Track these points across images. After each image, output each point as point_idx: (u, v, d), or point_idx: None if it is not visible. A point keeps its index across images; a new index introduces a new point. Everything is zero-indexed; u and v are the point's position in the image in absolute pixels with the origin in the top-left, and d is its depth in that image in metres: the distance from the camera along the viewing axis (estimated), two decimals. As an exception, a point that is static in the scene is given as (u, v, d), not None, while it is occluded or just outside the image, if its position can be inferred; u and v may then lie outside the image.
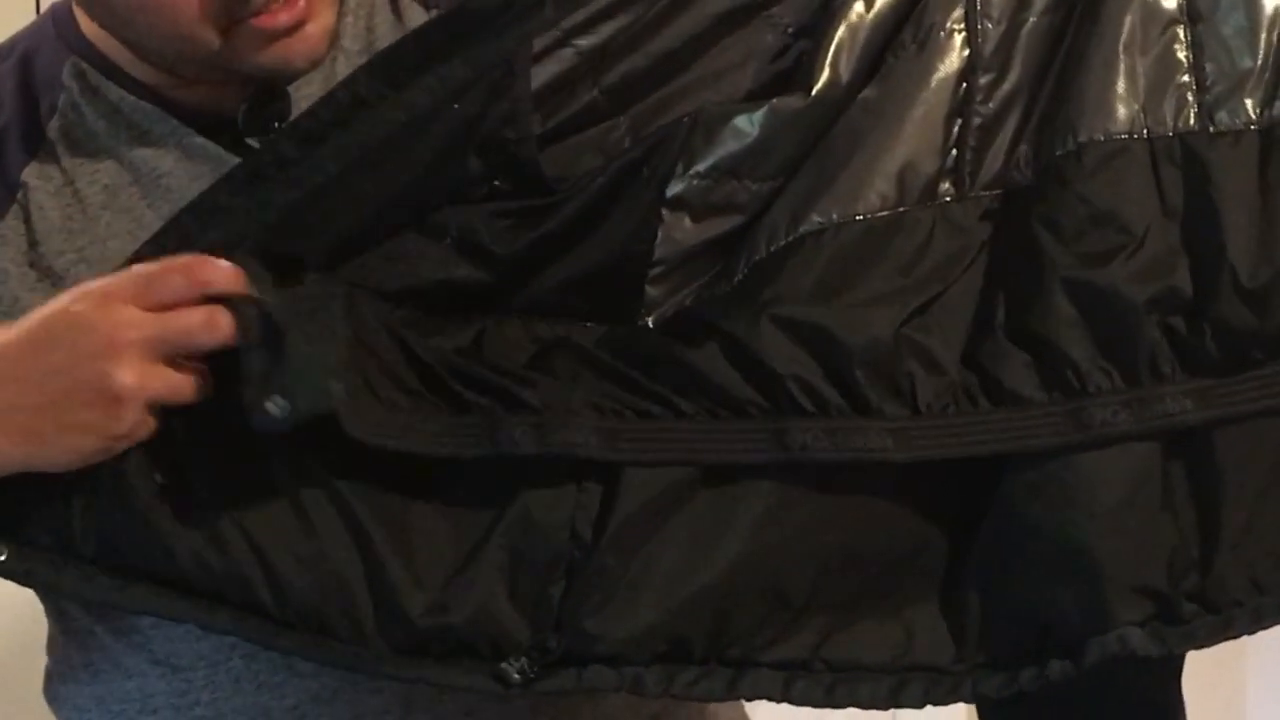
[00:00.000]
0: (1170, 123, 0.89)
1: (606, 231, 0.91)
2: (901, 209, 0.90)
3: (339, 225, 0.90)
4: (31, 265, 0.98)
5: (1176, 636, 0.88)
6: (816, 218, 0.90)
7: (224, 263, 0.85)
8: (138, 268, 0.85)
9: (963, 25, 0.91)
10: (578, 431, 0.88)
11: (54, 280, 0.97)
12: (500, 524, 0.89)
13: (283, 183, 0.88)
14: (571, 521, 0.89)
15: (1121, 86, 0.89)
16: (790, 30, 0.93)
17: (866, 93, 0.91)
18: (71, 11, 1.02)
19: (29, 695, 1.10)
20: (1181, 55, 0.90)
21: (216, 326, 0.83)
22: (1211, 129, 0.89)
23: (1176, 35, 0.90)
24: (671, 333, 0.90)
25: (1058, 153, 0.89)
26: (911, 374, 0.88)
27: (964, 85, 0.91)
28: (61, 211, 0.99)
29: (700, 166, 0.90)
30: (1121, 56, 0.90)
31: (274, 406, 0.83)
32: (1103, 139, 0.89)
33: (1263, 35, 0.89)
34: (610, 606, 0.88)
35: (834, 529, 0.90)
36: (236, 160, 0.96)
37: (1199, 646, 0.88)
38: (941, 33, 0.91)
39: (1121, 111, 0.89)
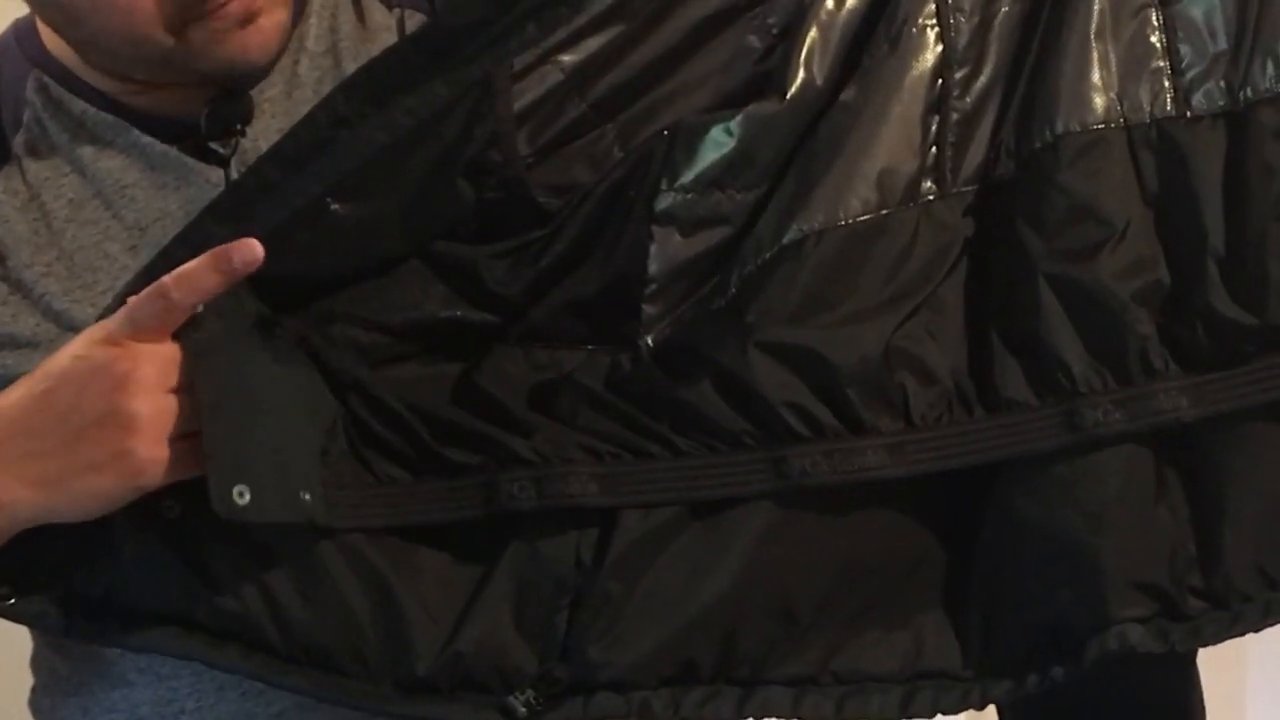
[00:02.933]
0: (1147, 109, 0.89)
1: (599, 256, 0.92)
2: (884, 211, 0.90)
3: (331, 250, 0.91)
4: (2, 279, 0.98)
5: (1181, 633, 0.88)
6: (799, 226, 0.89)
7: (191, 265, 0.84)
8: (131, 301, 0.86)
9: (935, 20, 0.91)
10: (576, 482, 0.89)
11: (24, 293, 0.98)
12: (505, 555, 0.89)
13: (267, 207, 0.88)
14: (576, 549, 0.89)
15: (1096, 75, 0.89)
16: (775, 31, 0.93)
17: (845, 94, 0.91)
18: (35, 25, 1.02)
19: (13, 707, 1.10)
20: (1154, 39, 0.90)
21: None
22: (1189, 113, 0.88)
23: (1149, 18, 0.90)
24: (667, 364, 0.90)
25: (1036, 145, 0.89)
26: (904, 385, 0.88)
27: (939, 81, 0.91)
28: (28, 225, 0.99)
29: (684, 180, 0.91)
30: (1094, 43, 0.89)
31: (239, 498, 0.83)
32: (1079, 129, 0.89)
33: (1233, 15, 0.89)
34: (615, 632, 0.89)
35: (836, 542, 0.90)
36: (199, 165, 0.98)
37: (1206, 643, 0.89)
38: (914, 29, 0.91)
39: (1097, 101, 0.89)
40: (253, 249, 0.84)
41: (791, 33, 0.91)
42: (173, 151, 0.99)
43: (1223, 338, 0.87)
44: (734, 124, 0.90)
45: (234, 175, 0.99)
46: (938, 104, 0.91)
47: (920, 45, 0.91)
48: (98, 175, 0.99)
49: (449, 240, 0.93)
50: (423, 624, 0.88)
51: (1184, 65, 0.89)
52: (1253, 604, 0.87)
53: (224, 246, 0.84)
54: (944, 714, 0.91)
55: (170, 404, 0.85)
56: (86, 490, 0.85)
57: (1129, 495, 0.87)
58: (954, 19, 0.91)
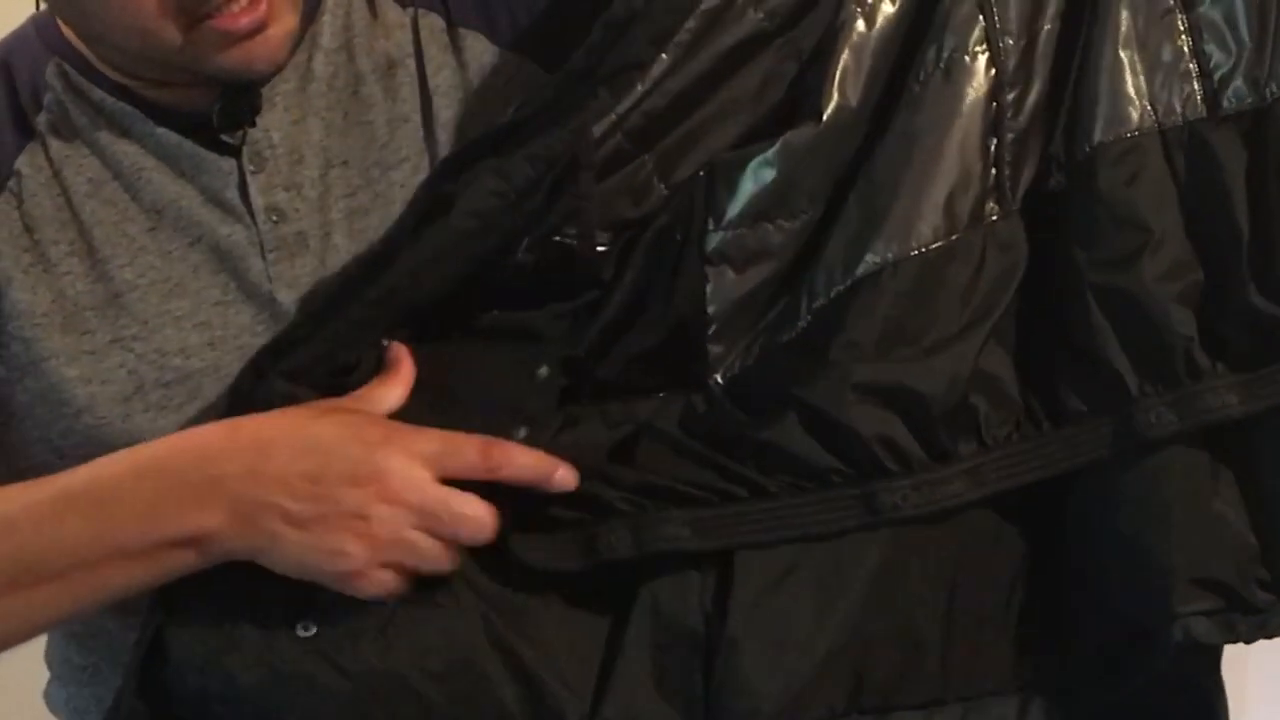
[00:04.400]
0: (1179, 112, 0.91)
1: (657, 305, 0.93)
2: (954, 236, 0.91)
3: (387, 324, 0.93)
4: (25, 250, 1.00)
5: (1249, 625, 0.89)
6: (872, 258, 0.90)
7: (528, 460, 0.89)
8: (437, 436, 0.88)
9: (984, 45, 0.92)
10: (669, 527, 0.89)
11: (46, 267, 1.00)
12: (633, 619, 0.90)
13: (359, 305, 0.91)
14: (701, 604, 0.90)
15: (1129, 83, 0.91)
16: (806, 55, 0.93)
17: (900, 122, 0.91)
18: (53, 18, 1.04)
19: (28, 696, 1.11)
20: (1181, 43, 0.91)
21: (485, 527, 0.88)
22: (1220, 113, 0.90)
23: (1174, 23, 0.91)
24: (742, 401, 0.90)
25: (1079, 157, 0.90)
26: (977, 408, 0.89)
27: (994, 104, 0.92)
28: (52, 201, 1.01)
29: (730, 216, 0.91)
30: (1123, 52, 0.91)
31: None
32: (1114, 138, 0.90)
33: (1255, 12, 0.90)
34: (751, 682, 0.89)
35: (946, 564, 0.92)
36: (212, 156, 1.00)
37: (1273, 635, 0.90)
38: (966, 56, 0.91)
39: (1131, 109, 0.90)
40: (569, 477, 0.89)
41: (823, 56, 0.91)
42: (187, 143, 1.01)
43: (1262, 333, 0.88)
44: (771, 154, 0.90)
45: (246, 165, 1.01)
46: (994, 126, 0.92)
47: (973, 71, 0.92)
48: (116, 157, 1.01)
49: (500, 307, 0.93)
50: (564, 697, 0.89)
51: (1211, 66, 0.90)
52: None
53: (555, 466, 0.89)
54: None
55: (417, 541, 0.88)
56: (299, 561, 0.88)
57: (1186, 494, 0.89)
58: (1003, 42, 0.91)
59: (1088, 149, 0.90)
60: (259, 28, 0.96)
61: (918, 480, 0.89)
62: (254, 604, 0.89)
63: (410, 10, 1.06)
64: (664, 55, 0.90)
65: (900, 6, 0.92)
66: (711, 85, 0.92)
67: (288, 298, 1.00)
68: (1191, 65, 0.90)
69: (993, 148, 0.92)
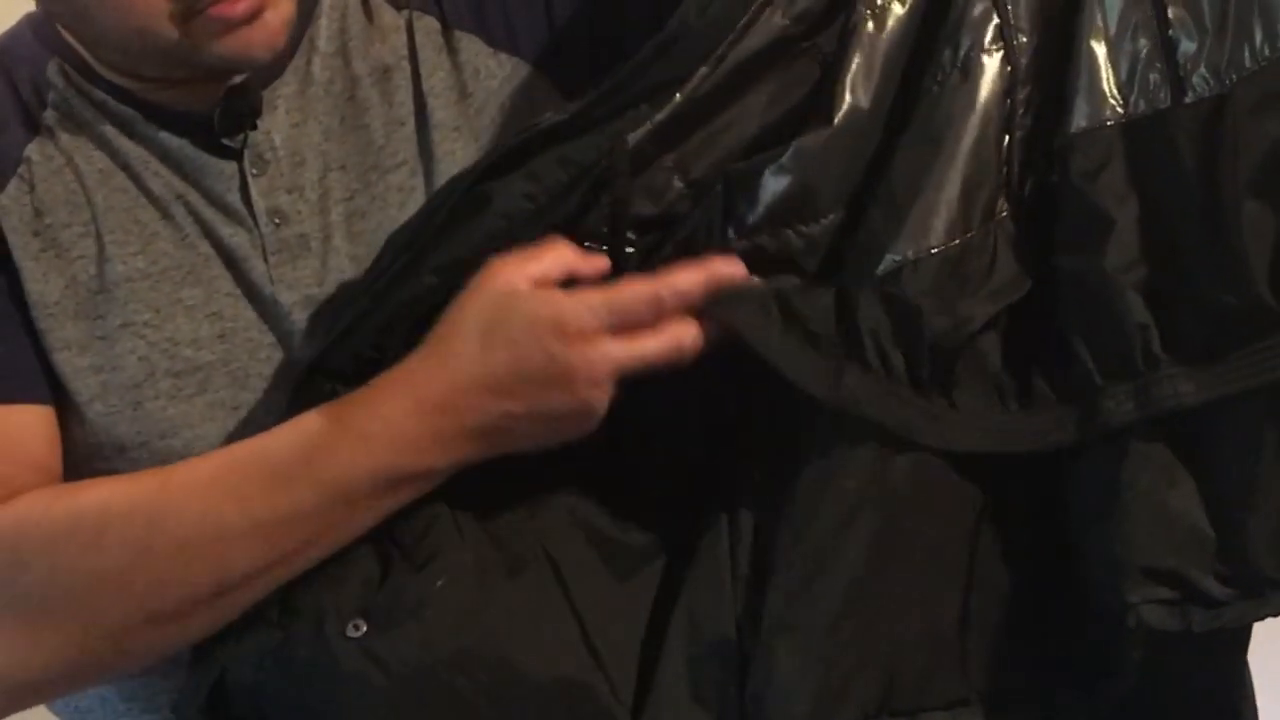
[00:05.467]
0: (1146, 102, 0.91)
1: None
2: (969, 234, 0.92)
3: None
4: (36, 234, 1.00)
5: (1204, 616, 0.90)
6: (892, 257, 0.91)
7: (690, 279, 0.90)
8: (600, 296, 0.90)
9: (1000, 43, 0.92)
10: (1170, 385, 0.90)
11: (58, 251, 1.00)
12: (670, 633, 0.92)
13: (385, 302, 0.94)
14: (733, 613, 0.91)
15: (1101, 74, 0.91)
16: (828, 59, 0.93)
17: (918, 122, 0.92)
18: (49, 18, 1.04)
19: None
20: (1149, 33, 0.91)
21: (681, 347, 0.90)
22: (1184, 100, 0.90)
23: (1145, 12, 0.91)
24: None
25: (1057, 148, 0.91)
26: (958, 372, 0.91)
27: (1009, 101, 0.93)
28: (64, 187, 1.01)
29: (750, 223, 0.92)
30: (1093, 44, 0.91)
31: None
32: (1085, 127, 0.90)
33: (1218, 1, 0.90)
34: (785, 687, 0.90)
35: (962, 561, 0.93)
36: (213, 159, 1.01)
37: (1229, 625, 0.90)
38: (983, 55, 0.92)
39: (1103, 100, 0.91)
40: (735, 264, 0.90)
41: (834, 59, 0.93)
42: (188, 147, 1.02)
43: (1215, 324, 0.88)
44: (786, 160, 0.91)
45: (248, 169, 1.02)
46: (1007, 123, 0.93)
47: (989, 70, 0.92)
48: (122, 151, 1.02)
49: None
50: (616, 709, 0.91)
51: (1178, 55, 0.90)
52: (1277, 591, 0.89)
53: (715, 262, 0.90)
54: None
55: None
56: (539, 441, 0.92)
57: (1144, 486, 0.89)
58: (1016, 40, 0.92)
59: (1065, 138, 0.91)
60: (255, 13, 0.96)
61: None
62: (305, 604, 0.91)
63: (405, 13, 1.07)
64: (704, 68, 0.91)
65: (910, 6, 0.92)
66: (736, 89, 0.93)
67: (289, 299, 1.01)
68: (1159, 55, 0.91)
69: (1005, 144, 0.93)
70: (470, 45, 1.06)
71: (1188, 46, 0.90)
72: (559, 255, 0.91)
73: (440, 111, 1.05)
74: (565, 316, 0.89)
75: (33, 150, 1.02)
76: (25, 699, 0.96)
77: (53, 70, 1.03)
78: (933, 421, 0.90)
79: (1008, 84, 0.92)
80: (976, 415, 0.91)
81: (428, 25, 1.07)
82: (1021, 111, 0.93)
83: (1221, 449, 0.89)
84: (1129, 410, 0.88)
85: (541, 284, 0.90)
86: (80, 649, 0.92)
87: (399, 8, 1.07)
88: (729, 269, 0.91)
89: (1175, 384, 0.88)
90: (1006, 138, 0.93)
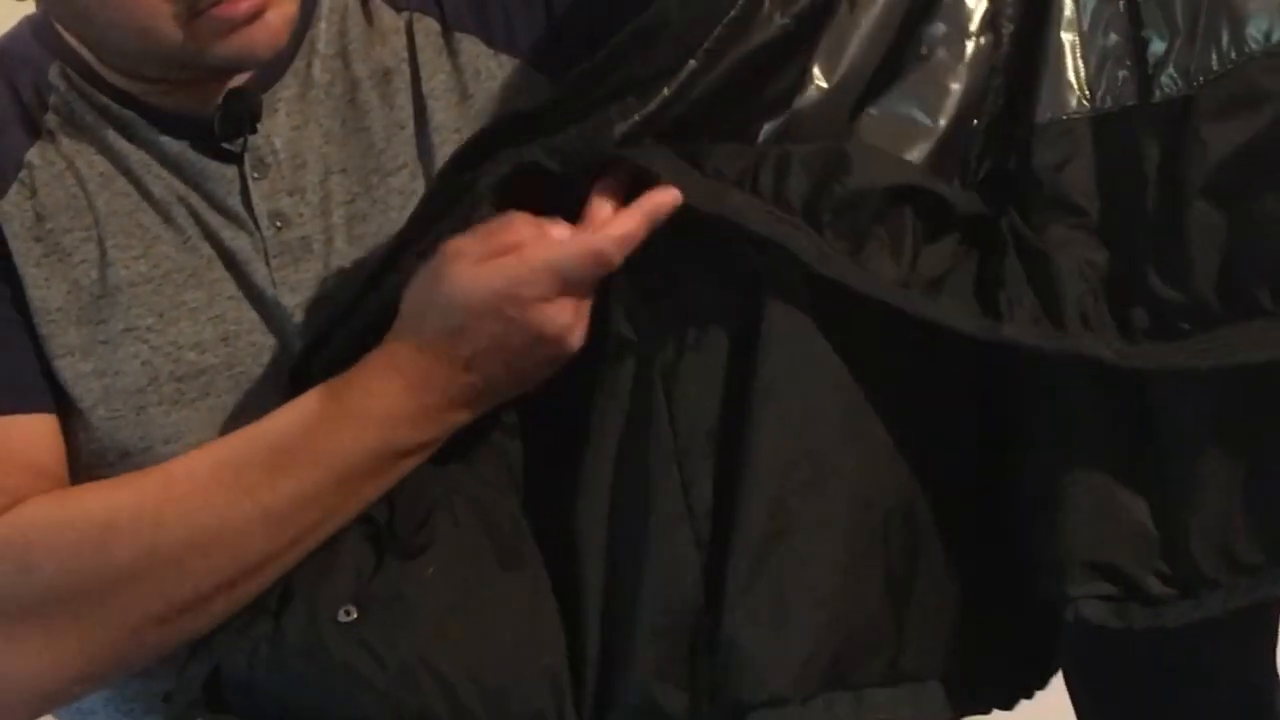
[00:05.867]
0: (1113, 99, 0.91)
1: None
2: None
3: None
4: (38, 240, 1.01)
5: (1143, 615, 0.90)
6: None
7: (627, 227, 0.91)
8: (547, 261, 0.91)
9: (990, 33, 0.94)
10: None
11: (60, 256, 1.00)
12: (638, 604, 0.93)
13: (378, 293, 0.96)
14: (701, 585, 0.92)
15: (1068, 66, 0.92)
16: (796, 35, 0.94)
17: (887, 103, 0.94)
18: (50, 20, 1.05)
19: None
20: (1120, 30, 0.92)
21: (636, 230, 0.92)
22: (1151, 99, 0.90)
23: (1116, 8, 0.92)
24: None
25: (1019, 135, 0.92)
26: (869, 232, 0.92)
27: (987, 88, 0.94)
28: (65, 191, 1.01)
29: None
30: (1064, 35, 0.92)
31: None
32: (1050, 119, 0.91)
33: (1190, 1, 0.90)
34: (754, 655, 0.91)
35: (909, 538, 0.94)
36: (214, 164, 1.02)
37: (1170, 625, 0.90)
38: (967, 41, 0.94)
39: (1069, 92, 0.91)
40: (671, 194, 0.91)
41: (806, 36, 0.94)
42: (189, 152, 1.02)
43: (1159, 315, 0.88)
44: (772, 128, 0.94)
45: (249, 172, 1.02)
46: (979, 106, 0.94)
47: (972, 54, 0.94)
48: (123, 154, 1.02)
49: None
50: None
51: (1148, 54, 0.91)
52: (1218, 590, 0.89)
53: (650, 199, 0.91)
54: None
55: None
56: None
57: (1089, 481, 0.90)
58: (1005, 29, 0.94)
59: (1028, 128, 0.92)
60: (258, 12, 0.97)
61: None
62: (298, 590, 0.93)
63: (405, 14, 1.08)
64: (693, 61, 0.92)
65: None
66: (736, 88, 0.93)
67: (292, 302, 1.02)
68: (1129, 52, 0.91)
69: (973, 125, 0.94)
70: (470, 47, 1.07)
71: (1158, 46, 0.90)
72: (512, 227, 0.92)
73: (441, 114, 1.05)
74: (519, 285, 0.91)
75: (34, 155, 1.02)
76: (45, 705, 0.98)
77: (54, 73, 1.03)
78: (823, 256, 0.90)
79: (990, 70, 0.94)
80: (878, 273, 0.91)
81: (427, 27, 1.07)
82: (993, 97, 0.94)
83: (1169, 450, 0.89)
84: (1028, 328, 0.89)
85: (495, 254, 0.92)
86: (98, 648, 0.94)
87: (398, 9, 1.08)
88: (665, 197, 0.91)
89: (1099, 345, 0.88)
90: (975, 120, 0.94)
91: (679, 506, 0.92)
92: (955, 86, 0.93)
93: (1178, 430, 0.89)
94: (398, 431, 0.94)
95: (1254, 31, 0.87)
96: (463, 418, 0.95)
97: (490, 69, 1.07)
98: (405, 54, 1.07)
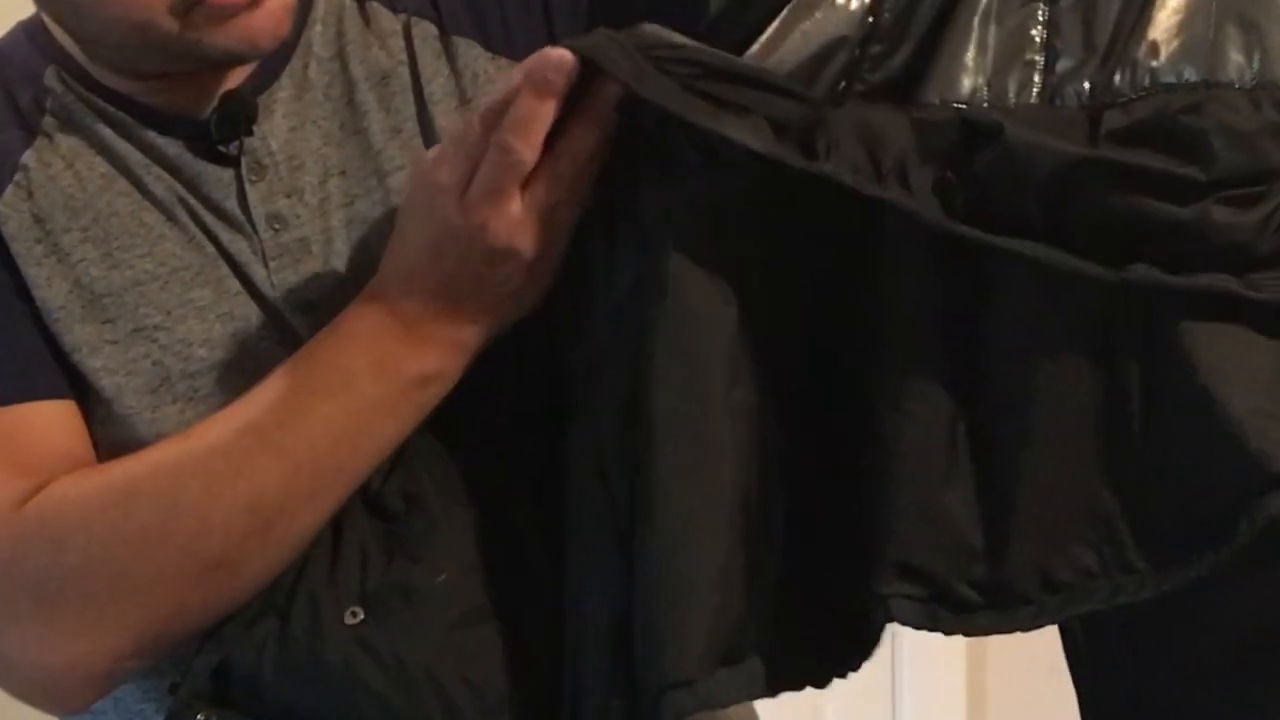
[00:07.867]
0: (1011, 98, 0.89)
1: None
2: None
3: None
4: (37, 241, 1.01)
5: (952, 621, 0.89)
6: None
7: (520, 113, 0.88)
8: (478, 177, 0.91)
9: None
10: None
11: (59, 257, 1.01)
12: (583, 614, 0.92)
13: None
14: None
15: (970, 56, 0.90)
16: None
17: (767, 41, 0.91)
18: (45, 23, 1.05)
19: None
20: (1035, 33, 0.90)
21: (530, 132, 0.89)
22: (1055, 103, 0.89)
23: (1034, 12, 0.90)
24: None
25: (915, 116, 0.90)
26: None
27: (856, 52, 0.91)
28: (63, 192, 1.02)
29: None
30: (976, 26, 0.90)
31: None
32: (938, 103, 0.89)
33: (1113, 20, 0.89)
34: (662, 640, 0.89)
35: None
36: (211, 167, 1.02)
37: (977, 634, 0.90)
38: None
39: (965, 81, 0.89)
40: (560, 56, 0.87)
41: None
42: (186, 154, 1.03)
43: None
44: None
45: (245, 175, 1.03)
46: (846, 72, 0.91)
47: (842, 13, 0.91)
48: (122, 154, 1.03)
49: None
50: None
51: (1057, 63, 0.89)
52: (1028, 606, 0.89)
53: (532, 66, 0.88)
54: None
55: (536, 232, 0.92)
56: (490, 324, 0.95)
57: (916, 482, 0.89)
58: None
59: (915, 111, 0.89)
60: (257, 0, 0.97)
61: None
62: (306, 588, 0.93)
63: (402, 17, 1.08)
64: None
65: None
66: None
67: (290, 304, 1.03)
68: (1039, 57, 0.89)
69: (838, 89, 0.91)
70: (468, 50, 1.07)
71: (1068, 56, 0.89)
72: (463, 145, 0.91)
73: (441, 118, 1.06)
74: (430, 173, 0.92)
75: (29, 158, 1.02)
76: (106, 684, 0.97)
77: (50, 76, 1.04)
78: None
79: (863, 35, 0.90)
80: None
81: (424, 30, 1.07)
82: (868, 67, 0.91)
83: (1000, 459, 0.89)
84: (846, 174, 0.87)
85: (456, 188, 0.91)
86: (140, 618, 0.94)
87: (396, 11, 1.08)
88: (551, 56, 0.88)
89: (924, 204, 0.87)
90: (843, 84, 0.91)
91: (601, 502, 0.91)
92: (819, 40, 0.90)
93: (1007, 439, 0.88)
94: (411, 359, 0.94)
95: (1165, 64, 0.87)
96: (481, 334, 0.95)
97: (489, 72, 1.07)
98: (404, 57, 1.07)
